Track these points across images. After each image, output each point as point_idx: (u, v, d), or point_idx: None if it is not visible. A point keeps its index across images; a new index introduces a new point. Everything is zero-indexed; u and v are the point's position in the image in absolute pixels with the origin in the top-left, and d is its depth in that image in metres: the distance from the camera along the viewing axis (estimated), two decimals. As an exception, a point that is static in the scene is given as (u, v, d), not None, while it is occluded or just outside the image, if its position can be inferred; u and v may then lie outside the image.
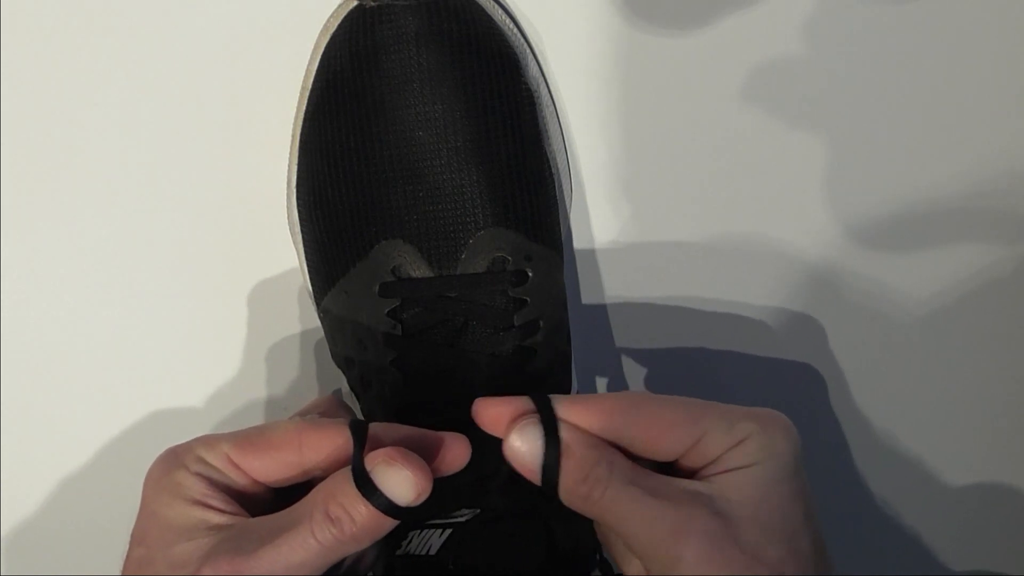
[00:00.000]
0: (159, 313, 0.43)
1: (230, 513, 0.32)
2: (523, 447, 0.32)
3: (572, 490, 0.32)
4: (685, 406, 0.33)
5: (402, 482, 0.31)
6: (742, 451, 0.32)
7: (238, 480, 0.33)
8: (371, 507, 0.31)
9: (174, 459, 0.33)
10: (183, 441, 0.34)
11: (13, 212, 0.41)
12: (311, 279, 0.40)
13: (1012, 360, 0.46)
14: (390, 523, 0.32)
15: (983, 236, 0.44)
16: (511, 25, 0.38)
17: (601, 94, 0.41)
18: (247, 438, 0.34)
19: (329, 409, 0.39)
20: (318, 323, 0.41)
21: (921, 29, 0.41)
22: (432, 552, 0.37)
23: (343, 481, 0.32)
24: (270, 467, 0.33)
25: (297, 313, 0.43)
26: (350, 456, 0.32)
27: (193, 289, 0.43)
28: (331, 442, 0.33)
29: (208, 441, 0.34)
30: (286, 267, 0.42)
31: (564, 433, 0.32)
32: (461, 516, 0.37)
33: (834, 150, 0.43)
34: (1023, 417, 0.47)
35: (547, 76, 0.40)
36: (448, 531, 0.37)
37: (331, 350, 0.40)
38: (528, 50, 0.39)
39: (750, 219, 0.43)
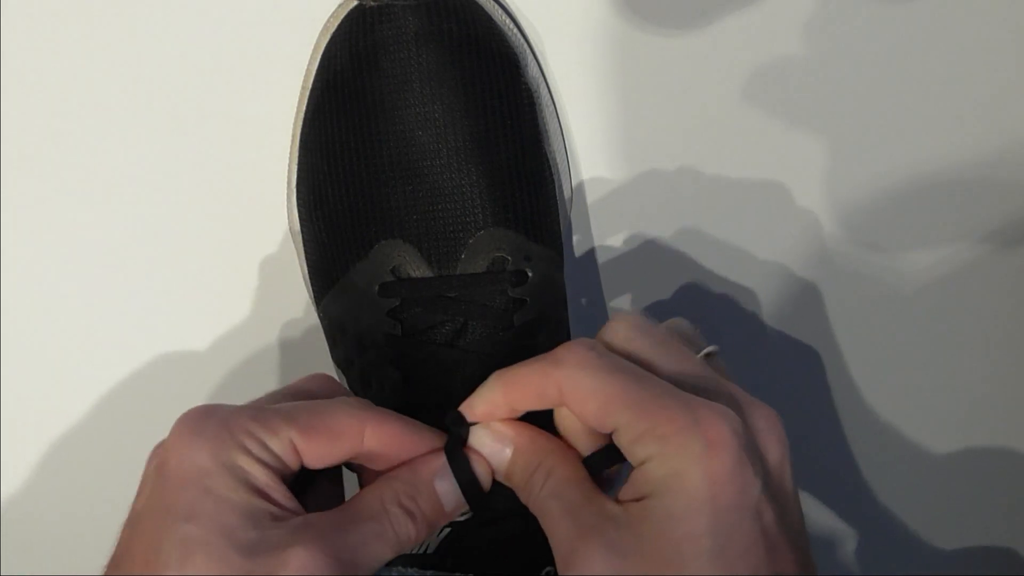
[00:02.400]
0: (159, 313, 0.43)
1: (290, 507, 0.31)
2: (444, 492, 0.33)
3: (518, 488, 0.33)
4: (604, 396, 0.30)
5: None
6: (641, 477, 0.29)
7: (292, 466, 0.32)
8: (445, 490, 0.32)
9: (228, 436, 0.31)
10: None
11: (13, 212, 0.41)
12: (311, 279, 0.40)
13: (1014, 356, 0.46)
14: (457, 508, 0.33)
15: (984, 235, 0.44)
16: (511, 25, 0.38)
17: (601, 94, 0.41)
18: (311, 425, 0.32)
19: (323, 389, 0.36)
20: (318, 323, 0.41)
21: (920, 29, 0.41)
22: (430, 550, 0.37)
23: (416, 476, 0.32)
24: (330, 454, 0.32)
25: (297, 313, 0.43)
26: (408, 447, 0.33)
27: (193, 289, 0.43)
28: (394, 433, 0.33)
29: (269, 425, 0.31)
30: (286, 267, 0.42)
31: (509, 436, 0.33)
32: (459, 516, 0.37)
33: (834, 150, 0.43)
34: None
35: (547, 76, 0.40)
36: (446, 530, 0.37)
37: (331, 350, 0.40)
38: (528, 50, 0.39)
39: (750, 218, 0.43)
